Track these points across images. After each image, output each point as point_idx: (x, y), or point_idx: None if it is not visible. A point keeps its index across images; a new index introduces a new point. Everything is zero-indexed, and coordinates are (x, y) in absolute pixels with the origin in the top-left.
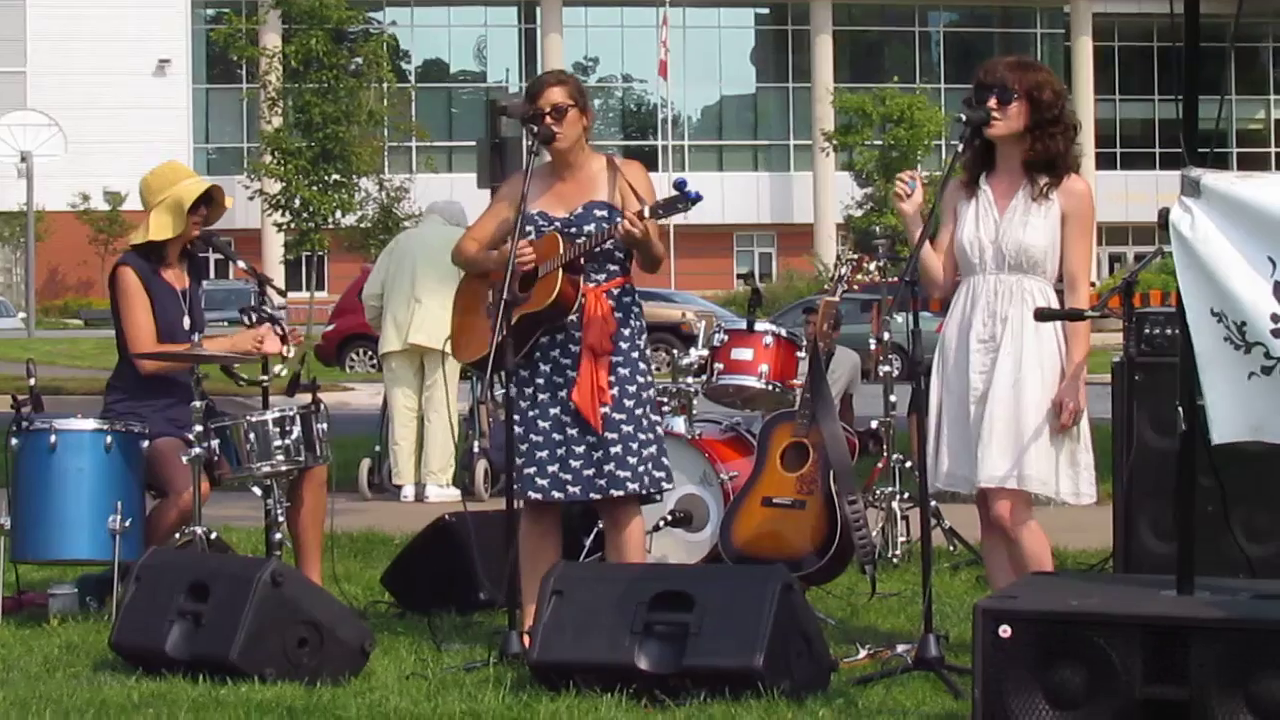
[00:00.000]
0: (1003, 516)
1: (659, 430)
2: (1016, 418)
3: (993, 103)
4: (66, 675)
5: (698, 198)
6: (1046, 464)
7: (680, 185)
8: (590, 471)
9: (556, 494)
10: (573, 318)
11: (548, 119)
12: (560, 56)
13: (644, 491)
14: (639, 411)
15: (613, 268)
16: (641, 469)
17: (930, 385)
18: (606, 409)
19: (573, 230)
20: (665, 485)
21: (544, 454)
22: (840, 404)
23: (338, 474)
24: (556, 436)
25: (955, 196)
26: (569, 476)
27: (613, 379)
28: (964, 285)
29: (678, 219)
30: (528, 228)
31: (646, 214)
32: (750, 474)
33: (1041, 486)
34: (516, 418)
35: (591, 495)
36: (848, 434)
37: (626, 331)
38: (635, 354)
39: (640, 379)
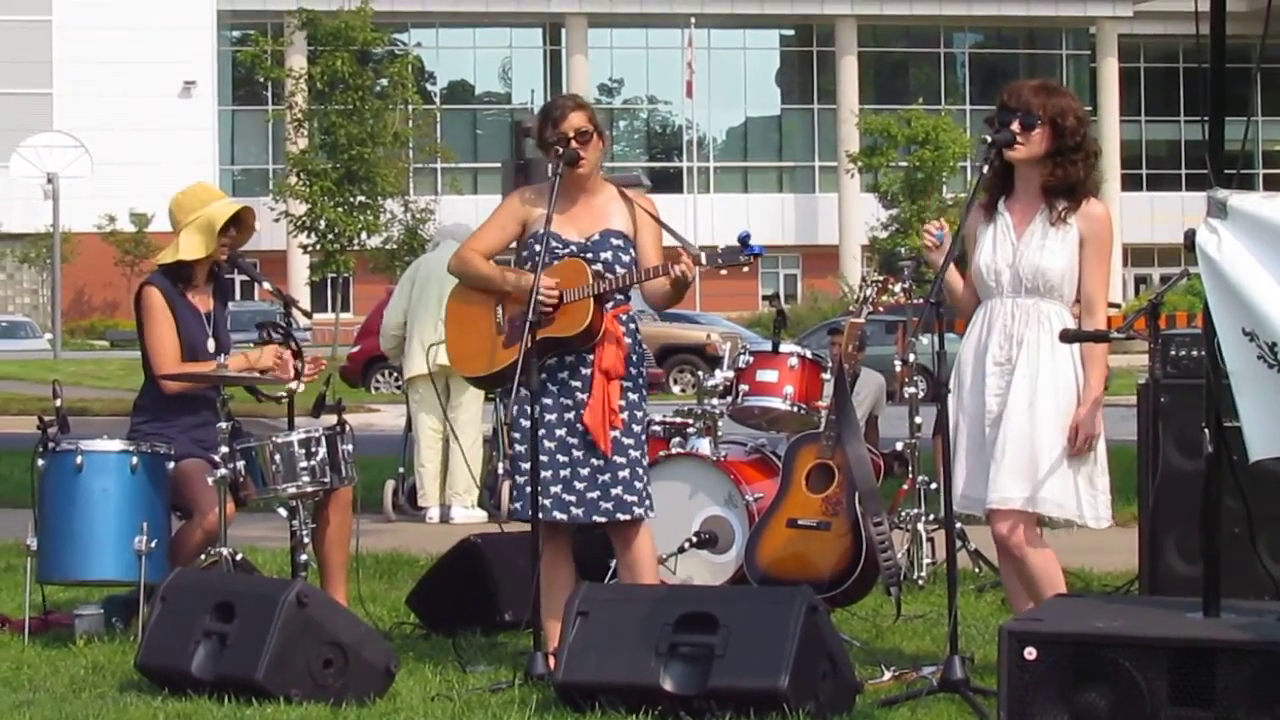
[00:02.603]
0: (1006, 538)
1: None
2: (1031, 440)
3: (1016, 126)
4: (92, 696)
5: (760, 253)
6: (1062, 487)
7: (744, 239)
8: (595, 494)
9: (559, 514)
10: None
11: (574, 143)
12: (585, 78)
13: (649, 515)
14: (643, 437)
15: (619, 295)
16: (645, 492)
17: (947, 407)
18: (616, 433)
19: (588, 256)
20: (651, 514)
21: (548, 474)
22: (865, 425)
23: (362, 495)
24: (561, 458)
25: (975, 220)
26: (573, 498)
27: (623, 403)
28: (981, 308)
29: (703, 240)
30: (538, 247)
31: (704, 262)
32: (775, 495)
33: (1058, 509)
34: (518, 436)
35: (595, 518)
36: (873, 455)
37: (634, 357)
38: (641, 380)
39: (645, 405)
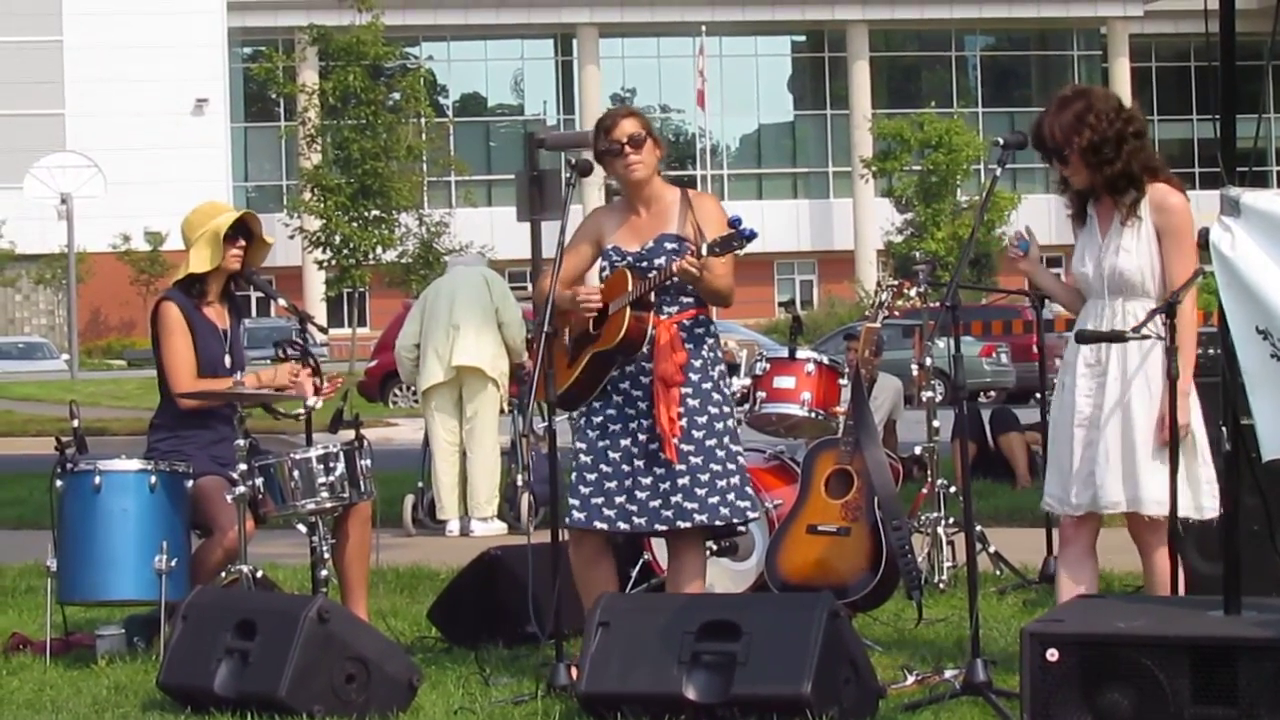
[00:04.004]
0: (1138, 540)
1: (740, 460)
2: (1127, 442)
3: (1056, 164)
4: (115, 716)
5: (752, 235)
6: (1162, 485)
7: (735, 223)
8: (656, 503)
9: (623, 524)
10: (644, 350)
11: (626, 149)
12: (597, 88)
13: (715, 523)
14: (710, 443)
15: (685, 300)
16: (713, 500)
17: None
18: (675, 440)
19: (644, 265)
20: (751, 515)
21: (613, 485)
22: (883, 430)
23: (382, 510)
24: (626, 468)
25: (1076, 229)
26: (635, 508)
27: (681, 410)
28: (1083, 311)
29: (716, 238)
30: (602, 263)
31: (704, 253)
32: (795, 502)
33: (1158, 508)
34: (584, 446)
35: (657, 527)
36: (891, 460)
37: (697, 363)
38: (707, 385)
39: (711, 409)
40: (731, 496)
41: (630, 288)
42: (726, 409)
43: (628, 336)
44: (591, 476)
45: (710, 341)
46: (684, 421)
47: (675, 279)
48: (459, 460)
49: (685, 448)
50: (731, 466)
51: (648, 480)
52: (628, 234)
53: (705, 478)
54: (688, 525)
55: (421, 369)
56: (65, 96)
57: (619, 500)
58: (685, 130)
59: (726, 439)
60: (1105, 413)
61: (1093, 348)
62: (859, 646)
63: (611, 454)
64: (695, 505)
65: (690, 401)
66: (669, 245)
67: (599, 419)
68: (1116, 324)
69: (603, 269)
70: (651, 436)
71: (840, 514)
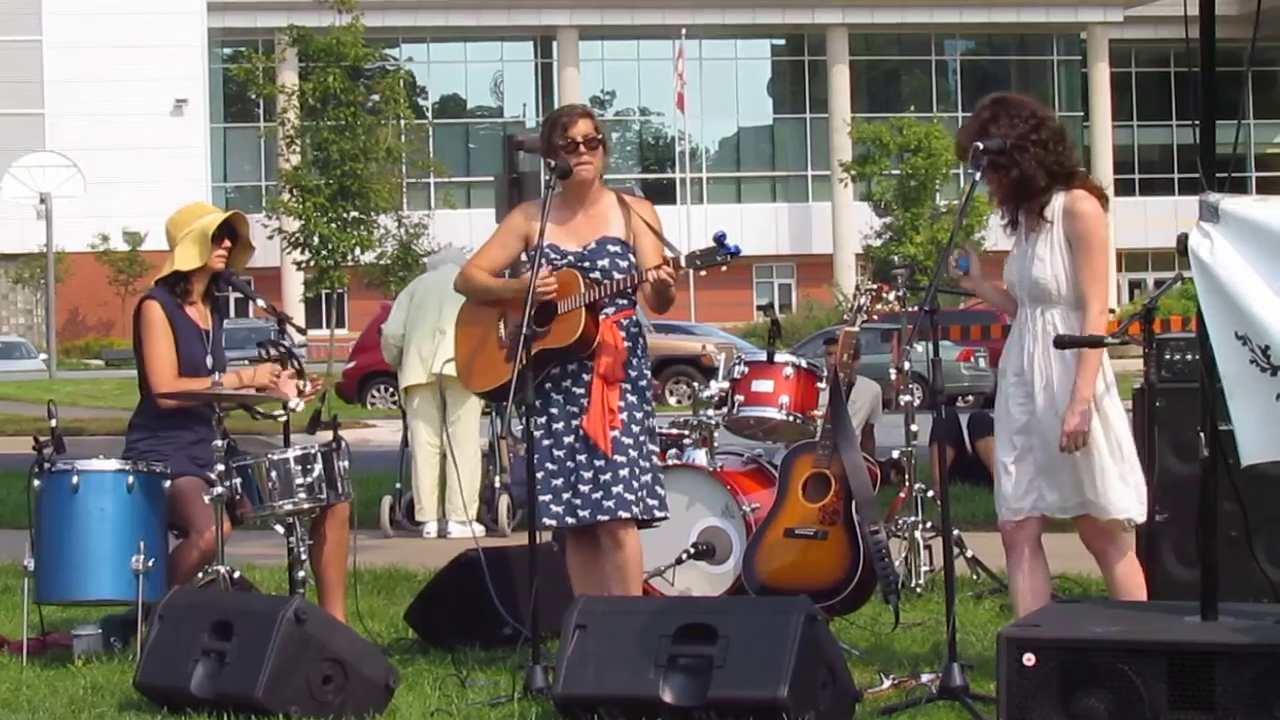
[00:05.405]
0: (1093, 548)
1: (655, 459)
2: (1055, 447)
3: (979, 176)
4: (92, 716)
5: (737, 252)
6: (1095, 488)
7: (720, 239)
8: (598, 495)
9: (570, 520)
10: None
11: (581, 148)
12: (577, 90)
13: (643, 517)
14: (643, 439)
15: (622, 301)
16: (643, 493)
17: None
18: (616, 433)
19: (586, 265)
20: (659, 514)
21: (559, 482)
22: (861, 434)
23: (359, 511)
24: (569, 464)
25: (1010, 236)
26: (579, 502)
27: (622, 405)
28: (1015, 320)
29: (698, 250)
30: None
31: (683, 264)
32: (772, 505)
33: (1104, 513)
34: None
35: (599, 518)
36: (869, 464)
37: (634, 361)
38: (643, 383)
39: (646, 407)
40: (646, 494)
41: (582, 289)
42: (652, 408)
43: (583, 337)
44: (539, 475)
45: (642, 341)
46: (624, 415)
47: (634, 286)
48: (439, 462)
49: (625, 441)
50: (652, 464)
51: (588, 474)
52: (564, 233)
53: (638, 471)
54: (626, 516)
55: (404, 366)
56: (45, 96)
57: (565, 496)
58: (664, 133)
59: (650, 437)
60: (1035, 421)
61: (1017, 357)
62: (836, 650)
63: (556, 451)
64: (632, 497)
65: (630, 397)
66: (612, 248)
67: (543, 418)
68: (1036, 331)
69: (538, 264)
70: None
71: (818, 517)
